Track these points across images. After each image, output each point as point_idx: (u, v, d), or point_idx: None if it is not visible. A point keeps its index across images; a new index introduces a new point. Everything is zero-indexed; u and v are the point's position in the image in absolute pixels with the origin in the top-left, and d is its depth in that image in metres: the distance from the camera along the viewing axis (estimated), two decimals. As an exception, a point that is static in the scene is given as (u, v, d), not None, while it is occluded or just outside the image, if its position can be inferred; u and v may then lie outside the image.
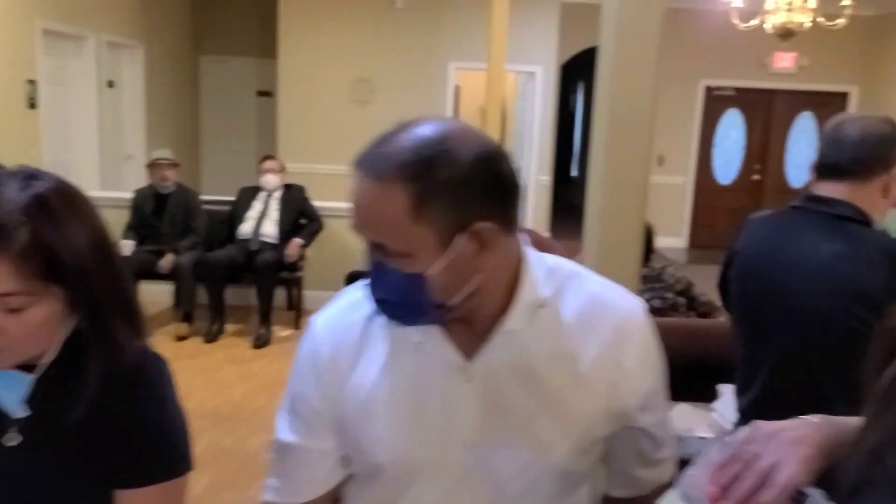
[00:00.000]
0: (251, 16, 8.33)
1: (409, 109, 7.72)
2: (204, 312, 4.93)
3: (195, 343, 4.79)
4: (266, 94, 8.38)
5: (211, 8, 8.35)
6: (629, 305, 0.98)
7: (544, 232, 7.64)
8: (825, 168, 1.67)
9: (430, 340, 0.93)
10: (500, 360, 0.93)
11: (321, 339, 0.99)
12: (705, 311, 3.48)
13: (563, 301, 0.95)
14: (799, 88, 8.95)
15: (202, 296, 4.94)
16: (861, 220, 1.58)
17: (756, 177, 9.36)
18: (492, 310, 0.92)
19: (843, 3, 4.48)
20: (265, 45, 8.13)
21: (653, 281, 3.44)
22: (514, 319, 0.92)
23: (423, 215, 0.82)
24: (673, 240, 9.12)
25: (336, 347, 0.98)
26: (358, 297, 0.97)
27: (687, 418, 2.33)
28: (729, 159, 9.35)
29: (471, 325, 0.93)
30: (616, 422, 0.97)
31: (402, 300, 0.87)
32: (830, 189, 1.64)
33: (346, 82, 7.69)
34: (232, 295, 5.10)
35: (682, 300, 3.45)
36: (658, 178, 9.18)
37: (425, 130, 0.85)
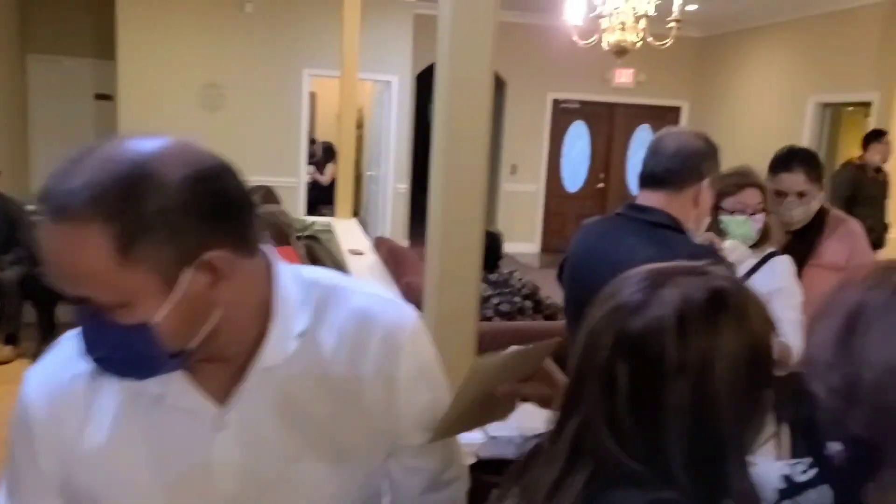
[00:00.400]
0: (86, 13, 7.76)
1: (262, 116, 7.55)
2: (32, 332, 4.54)
3: (22, 365, 4.37)
4: (105, 97, 7.85)
5: (39, 3, 7.71)
6: (398, 315, 0.89)
7: (402, 240, 7.69)
8: (646, 178, 1.79)
9: (172, 390, 0.81)
10: (259, 401, 0.82)
11: (37, 401, 0.83)
12: (550, 313, 3.64)
13: (325, 321, 0.85)
14: (637, 102, 9.61)
15: (30, 314, 4.57)
16: (674, 227, 1.70)
17: (601, 185, 9.93)
18: (244, 343, 0.81)
19: (669, 26, 4.86)
20: (103, 45, 7.61)
21: (501, 286, 3.56)
22: (271, 354, 0.81)
23: (133, 257, 0.69)
24: (526, 245, 9.48)
25: (56, 408, 0.83)
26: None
27: (532, 418, 2.41)
28: (576, 168, 9.87)
29: (224, 364, 0.81)
30: (393, 444, 0.90)
31: (127, 357, 0.74)
32: (649, 198, 1.76)
33: (194, 87, 7.37)
34: (66, 312, 4.73)
35: (528, 304, 3.59)
36: (511, 186, 9.53)
37: (122, 153, 0.71)
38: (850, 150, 6.90)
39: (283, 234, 3.50)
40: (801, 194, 2.28)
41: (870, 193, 5.43)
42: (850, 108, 7.73)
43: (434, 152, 2.00)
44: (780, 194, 2.30)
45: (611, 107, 9.65)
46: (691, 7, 7.37)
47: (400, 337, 0.87)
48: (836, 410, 0.68)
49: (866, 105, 6.98)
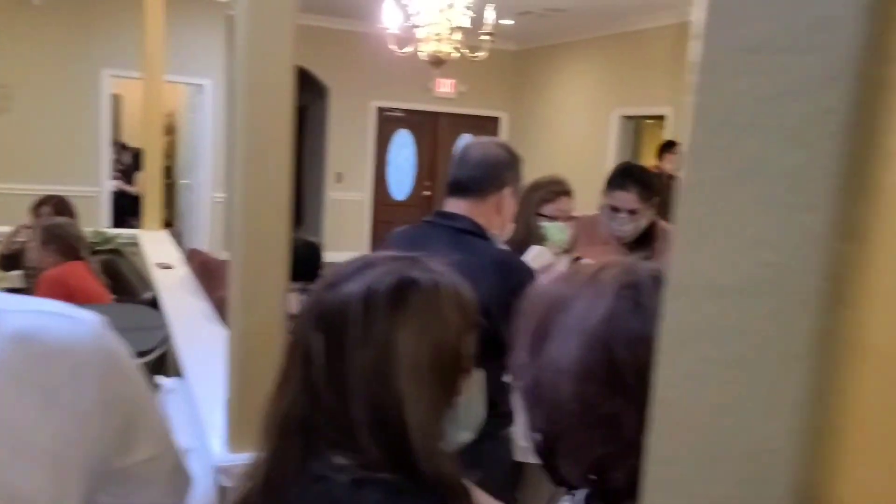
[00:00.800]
0: None
1: (56, 119, 6.87)
2: None
3: None
4: None
5: None
6: (72, 329, 0.75)
7: (221, 251, 7.30)
8: (452, 186, 1.84)
9: None
10: None
11: None
12: (373, 323, 3.58)
13: None
14: (459, 112, 9.87)
15: None
16: (478, 233, 1.74)
17: (427, 192, 10.08)
18: None
19: (482, 38, 5.00)
20: None
21: (321, 298, 3.47)
22: None
23: None
24: (354, 254, 9.31)
25: None
26: None
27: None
28: (402, 176, 9.95)
29: None
30: (93, 476, 0.77)
31: None
32: (455, 205, 1.80)
33: (-30, 86, 6.55)
34: None
35: (349, 314, 3.51)
36: (337, 194, 9.41)
37: None
38: (650, 159, 7.52)
39: (71, 249, 3.16)
40: (632, 212, 2.35)
41: (665, 199, 5.92)
42: (649, 121, 8.44)
43: (235, 161, 1.88)
44: (614, 209, 2.37)
45: (434, 116, 9.83)
46: (507, 21, 7.68)
47: (78, 354, 0.74)
48: (529, 406, 0.72)
49: (662, 118, 7.65)
